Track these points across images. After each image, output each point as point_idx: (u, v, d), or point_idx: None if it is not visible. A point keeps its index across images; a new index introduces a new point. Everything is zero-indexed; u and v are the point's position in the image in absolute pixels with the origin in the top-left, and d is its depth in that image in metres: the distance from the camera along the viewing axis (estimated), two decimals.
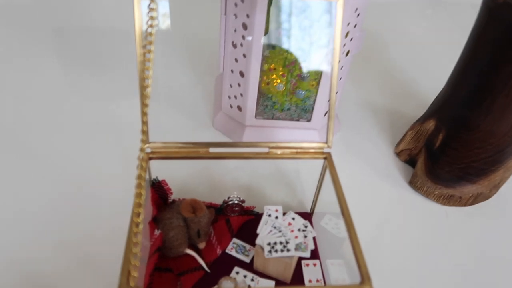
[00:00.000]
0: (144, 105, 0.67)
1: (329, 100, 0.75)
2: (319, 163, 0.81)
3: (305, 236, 0.76)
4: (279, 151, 0.77)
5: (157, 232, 0.74)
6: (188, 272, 0.76)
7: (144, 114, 0.66)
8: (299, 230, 0.77)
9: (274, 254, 0.73)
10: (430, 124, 1.00)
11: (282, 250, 0.73)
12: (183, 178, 0.97)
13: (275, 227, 0.77)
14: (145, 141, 0.68)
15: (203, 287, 0.75)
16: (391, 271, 0.85)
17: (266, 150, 0.77)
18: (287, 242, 0.74)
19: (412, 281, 0.84)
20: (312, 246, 0.75)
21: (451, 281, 0.84)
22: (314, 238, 0.84)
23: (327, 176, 0.81)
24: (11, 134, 1.05)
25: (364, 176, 1.05)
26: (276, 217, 0.79)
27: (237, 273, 0.78)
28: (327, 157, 0.78)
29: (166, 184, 0.81)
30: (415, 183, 1.01)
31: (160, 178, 0.80)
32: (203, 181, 0.97)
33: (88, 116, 1.13)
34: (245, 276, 0.78)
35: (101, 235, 0.84)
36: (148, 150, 0.76)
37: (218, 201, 0.86)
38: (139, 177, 0.60)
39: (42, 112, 1.13)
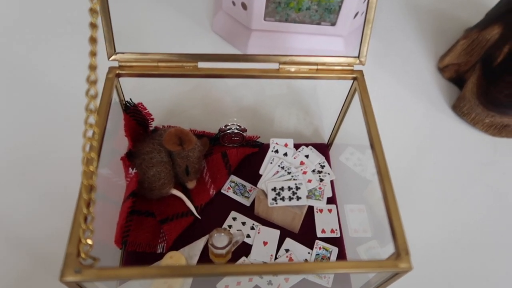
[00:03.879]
0: None
1: None
2: (344, 81, 0.62)
3: (321, 180, 0.60)
4: (292, 68, 0.57)
5: (132, 171, 0.58)
6: (173, 219, 0.62)
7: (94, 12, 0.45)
8: (313, 171, 0.61)
9: (280, 203, 0.57)
10: (494, 32, 0.76)
11: (290, 198, 0.57)
12: (168, 100, 0.78)
13: (283, 168, 0.60)
14: (93, 54, 0.47)
15: (191, 237, 0.61)
16: (425, 212, 0.70)
17: (275, 66, 0.57)
18: (297, 188, 0.58)
19: (450, 224, 0.69)
20: (329, 193, 0.59)
21: (496, 223, 0.69)
22: (332, 181, 0.67)
23: (354, 100, 0.62)
24: None
25: (396, 96, 0.85)
26: (285, 154, 0.62)
27: (234, 219, 0.64)
28: (358, 78, 0.58)
29: (145, 108, 0.63)
30: (461, 108, 0.81)
31: (135, 101, 0.62)
32: (194, 104, 0.78)
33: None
34: (243, 223, 0.64)
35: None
36: (116, 64, 0.56)
37: (214, 129, 0.69)
38: (89, 122, 0.42)
39: None
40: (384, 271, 0.44)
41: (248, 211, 0.65)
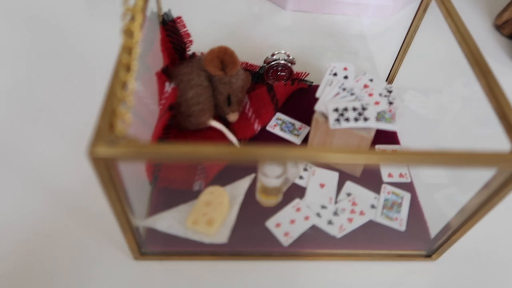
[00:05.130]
0: None
1: None
2: (406, 13, 0.54)
3: (390, 103, 0.50)
4: None
5: (168, 87, 0.49)
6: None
7: None
8: (380, 95, 0.51)
9: (344, 124, 0.48)
10: None
11: (356, 119, 0.48)
12: (209, 29, 0.71)
13: (344, 89, 0.51)
14: None
15: (234, 176, 0.51)
16: None
17: None
18: (363, 109, 0.49)
19: None
20: (401, 117, 0.50)
21: None
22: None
23: (426, 23, 0.54)
24: None
25: (455, 55, 0.76)
26: (345, 77, 0.53)
27: None
28: None
29: (184, 26, 0.55)
30: None
31: (174, 15, 0.54)
32: (239, 38, 0.71)
33: None
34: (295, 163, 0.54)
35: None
36: None
37: (258, 62, 0.61)
38: None
39: None
40: (495, 166, 0.33)
41: None
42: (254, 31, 0.74)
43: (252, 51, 0.68)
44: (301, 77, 0.62)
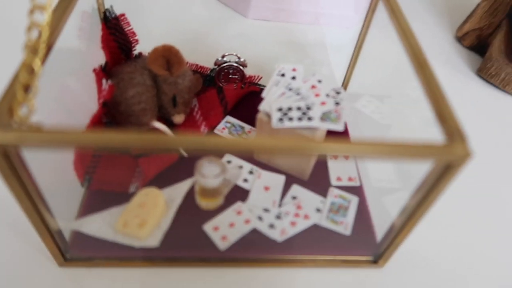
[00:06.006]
0: None
1: None
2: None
3: (337, 103, 0.49)
4: None
5: (105, 84, 0.47)
6: (153, 153, 0.50)
7: None
8: (328, 96, 0.50)
9: (288, 124, 0.46)
10: None
11: (300, 119, 0.46)
12: (163, 31, 0.70)
13: (290, 89, 0.50)
14: None
15: (174, 179, 0.49)
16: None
17: None
18: (308, 108, 0.47)
19: (479, 201, 0.57)
20: (347, 118, 0.48)
21: None
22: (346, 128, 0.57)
23: (373, 27, 0.53)
24: None
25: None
26: (293, 78, 0.52)
27: (229, 162, 0.52)
28: None
29: (128, 24, 0.53)
30: (487, 70, 0.72)
31: (118, 12, 0.52)
32: (193, 42, 0.69)
33: None
34: (240, 167, 0.52)
35: None
36: None
37: (209, 65, 0.59)
38: None
39: None
40: (430, 157, 0.32)
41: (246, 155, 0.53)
42: (210, 36, 0.73)
43: (205, 55, 0.66)
44: (254, 81, 0.60)
